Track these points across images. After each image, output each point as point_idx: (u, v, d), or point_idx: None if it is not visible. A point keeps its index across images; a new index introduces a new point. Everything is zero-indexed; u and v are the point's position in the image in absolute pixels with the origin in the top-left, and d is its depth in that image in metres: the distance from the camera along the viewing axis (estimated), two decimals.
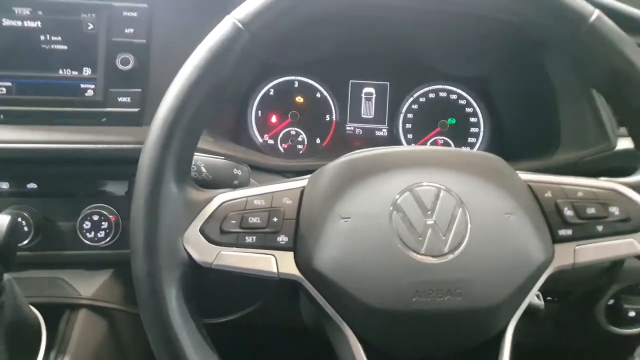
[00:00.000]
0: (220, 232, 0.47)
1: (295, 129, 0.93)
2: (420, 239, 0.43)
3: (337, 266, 0.43)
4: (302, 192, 0.49)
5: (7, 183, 0.73)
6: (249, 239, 0.47)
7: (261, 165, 0.79)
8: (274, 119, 0.92)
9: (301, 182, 0.50)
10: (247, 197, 0.49)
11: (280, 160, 0.87)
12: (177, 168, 0.47)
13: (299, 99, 0.93)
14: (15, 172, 0.73)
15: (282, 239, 0.47)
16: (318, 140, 0.92)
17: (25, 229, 0.72)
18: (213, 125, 0.80)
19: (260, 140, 0.92)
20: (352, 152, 0.51)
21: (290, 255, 0.46)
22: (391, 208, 0.44)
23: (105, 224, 0.73)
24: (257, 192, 0.50)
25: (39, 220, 0.73)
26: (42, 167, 0.73)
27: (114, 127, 0.72)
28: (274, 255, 0.47)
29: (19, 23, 0.72)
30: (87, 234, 0.73)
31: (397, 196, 0.45)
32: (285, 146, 0.92)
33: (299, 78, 0.93)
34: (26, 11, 0.72)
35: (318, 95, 0.93)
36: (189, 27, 0.75)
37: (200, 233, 0.46)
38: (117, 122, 0.73)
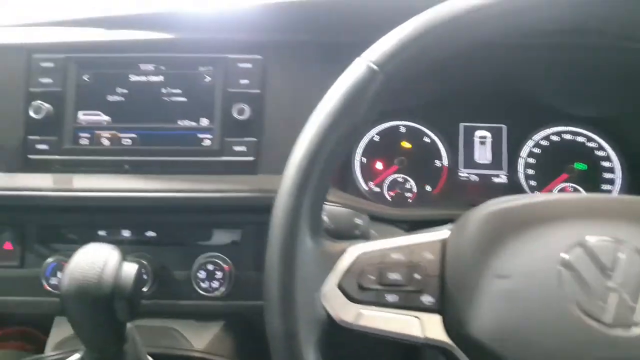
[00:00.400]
0: (359, 288, 0.43)
1: (403, 175, 0.89)
2: (603, 305, 0.36)
3: (498, 334, 0.38)
4: (443, 245, 0.45)
5: (129, 231, 0.75)
6: (390, 298, 0.43)
7: (371, 214, 0.76)
8: (379, 166, 0.89)
9: (441, 233, 0.46)
10: (383, 249, 0.45)
11: (390, 208, 0.83)
12: (312, 217, 0.45)
13: (406, 145, 0.90)
14: (137, 220, 0.75)
15: (427, 299, 0.42)
16: (428, 188, 0.88)
17: (145, 277, 0.73)
18: None
19: (366, 188, 0.89)
20: (499, 200, 0.46)
21: (436, 318, 0.42)
22: (559, 266, 0.39)
23: (219, 274, 0.73)
24: (393, 244, 0.46)
25: (156, 268, 0.74)
26: (161, 216, 0.74)
27: (230, 176, 0.73)
28: (418, 317, 0.42)
29: (144, 78, 0.75)
30: (201, 284, 0.72)
31: (566, 252, 0.39)
32: (392, 194, 0.88)
33: (405, 123, 0.90)
34: (150, 67, 0.75)
35: (426, 139, 0.89)
36: (301, 77, 0.76)
37: (339, 289, 0.43)
38: (233, 170, 0.73)
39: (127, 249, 0.74)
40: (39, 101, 0.73)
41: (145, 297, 0.72)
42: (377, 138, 0.90)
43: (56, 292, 0.74)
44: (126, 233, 0.75)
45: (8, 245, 0.74)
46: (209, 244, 0.75)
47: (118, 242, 0.75)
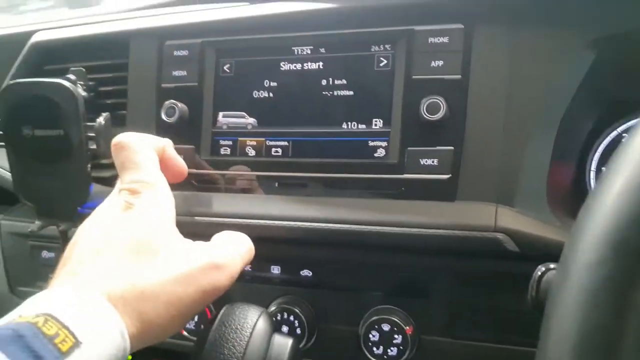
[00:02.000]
0: None
1: None
2: None
3: None
4: None
5: (280, 268, 0.58)
6: None
7: None
8: None
9: None
10: None
11: None
12: None
13: None
14: (290, 254, 0.57)
15: None
16: None
17: (298, 331, 0.55)
18: (552, 194, 0.52)
19: None
20: None
21: None
22: None
23: (398, 338, 0.52)
24: None
25: (312, 319, 0.56)
26: (320, 250, 0.55)
27: (416, 202, 0.51)
28: None
29: (299, 66, 0.56)
30: (374, 348, 0.52)
31: None
32: None
33: None
34: (307, 50, 0.56)
35: None
36: (527, 55, 0.50)
37: None
38: (419, 193, 0.51)
39: (277, 290, 0.57)
40: (172, 100, 0.58)
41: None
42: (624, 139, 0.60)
43: (192, 339, 0.60)
44: (276, 270, 0.58)
45: None
46: (383, 293, 0.54)
47: (266, 280, 0.58)
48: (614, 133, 0.61)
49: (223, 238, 0.42)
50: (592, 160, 0.61)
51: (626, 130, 0.61)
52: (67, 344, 0.29)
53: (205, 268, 0.37)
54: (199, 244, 0.39)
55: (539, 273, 0.35)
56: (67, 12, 0.91)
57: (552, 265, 0.36)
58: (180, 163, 0.47)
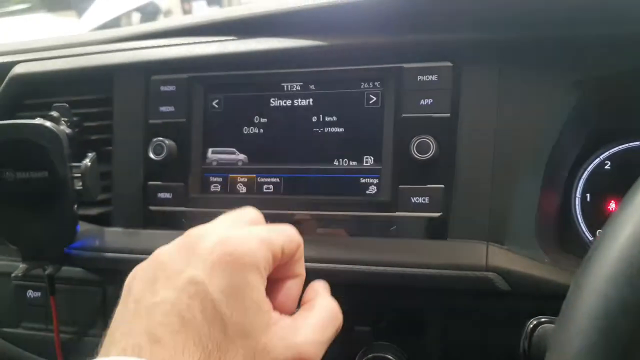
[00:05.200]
0: None
1: None
2: None
3: None
4: None
5: None
6: None
7: None
8: (612, 206, 0.61)
9: None
10: None
11: None
12: None
13: None
14: None
15: None
16: None
17: None
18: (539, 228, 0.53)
19: (591, 238, 0.62)
20: None
21: None
22: None
23: None
24: None
25: None
26: None
27: (406, 240, 0.51)
28: None
29: (288, 102, 0.56)
30: None
31: None
32: None
33: None
34: (297, 86, 0.55)
35: None
36: (516, 93, 0.51)
37: None
38: (410, 232, 0.51)
39: None
40: (160, 138, 0.57)
41: None
42: (608, 166, 0.62)
43: None
44: None
45: None
46: (377, 330, 0.54)
47: None
48: (597, 160, 0.62)
49: (314, 318, 0.37)
50: (577, 187, 0.62)
51: (609, 158, 0.62)
52: None
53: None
54: (288, 329, 0.35)
55: (531, 327, 0.36)
56: (46, 35, 0.88)
57: (543, 319, 0.37)
58: None
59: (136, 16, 1.96)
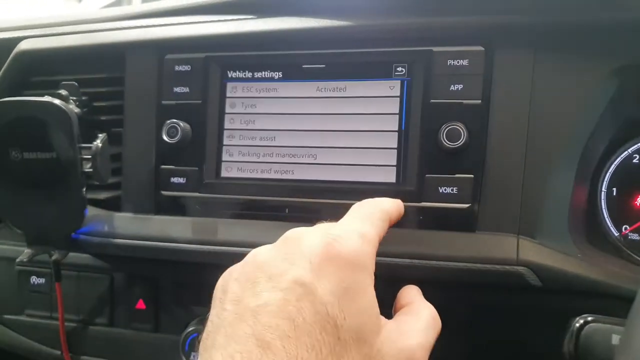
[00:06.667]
0: None
1: None
2: None
3: None
4: None
5: None
6: None
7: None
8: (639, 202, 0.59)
9: None
10: None
11: None
12: None
13: None
14: None
15: None
16: None
17: None
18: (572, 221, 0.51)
19: (616, 234, 0.60)
20: None
21: None
22: None
23: None
24: None
25: None
26: None
27: (434, 232, 0.49)
28: None
29: (310, 85, 0.53)
30: None
31: None
32: None
33: None
34: (319, 69, 0.53)
35: None
36: (550, 78, 0.48)
37: None
38: (437, 223, 0.49)
39: None
40: (174, 119, 0.54)
41: None
42: (637, 159, 0.60)
43: None
44: None
45: (141, 304, 0.58)
46: None
47: None
48: (625, 153, 0.60)
49: (418, 322, 0.37)
50: (603, 180, 0.60)
51: (638, 151, 0.60)
52: None
53: None
54: (395, 328, 0.34)
55: (577, 326, 0.34)
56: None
57: (589, 318, 0.35)
58: None
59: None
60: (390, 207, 0.40)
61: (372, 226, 0.36)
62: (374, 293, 0.33)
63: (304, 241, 0.33)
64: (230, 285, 0.33)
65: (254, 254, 0.34)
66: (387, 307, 0.52)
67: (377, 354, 0.31)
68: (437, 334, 0.37)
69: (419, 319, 0.37)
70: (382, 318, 0.34)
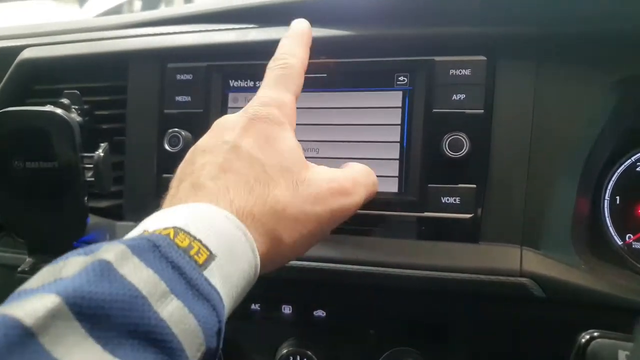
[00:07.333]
0: None
1: None
2: None
3: None
4: None
5: (291, 307, 0.55)
6: None
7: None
8: None
9: None
10: None
11: None
12: None
13: None
14: (302, 293, 0.54)
15: None
16: None
17: None
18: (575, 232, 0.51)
19: (620, 243, 0.60)
20: None
21: None
22: None
23: None
24: None
25: None
26: (334, 291, 0.53)
27: (436, 243, 0.49)
28: None
29: (312, 94, 0.53)
30: None
31: None
32: None
33: None
34: (321, 78, 0.53)
35: None
36: (553, 89, 0.48)
37: None
38: (440, 233, 0.49)
39: (288, 331, 0.55)
40: (176, 129, 0.54)
41: None
42: (639, 167, 0.59)
43: None
44: (287, 310, 0.55)
45: None
46: (399, 335, 0.52)
47: (277, 321, 0.55)
48: (629, 162, 0.60)
49: (350, 169, 0.42)
50: (606, 189, 0.59)
51: None
52: (202, 257, 0.28)
53: (334, 192, 0.37)
54: (327, 169, 0.39)
55: (583, 341, 0.33)
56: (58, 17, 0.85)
57: (596, 334, 0.35)
58: None
59: (137, 4, 1.92)
60: (302, 55, 0.44)
61: (286, 90, 0.41)
62: (295, 141, 0.39)
63: (228, 119, 0.40)
64: (175, 173, 0.39)
65: (193, 146, 0.40)
66: (390, 317, 0.52)
67: (304, 181, 0.36)
68: (372, 182, 0.42)
69: (350, 166, 0.42)
70: (311, 162, 0.39)
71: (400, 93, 0.51)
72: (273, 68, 0.43)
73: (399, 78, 0.51)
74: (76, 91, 0.56)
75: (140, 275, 0.25)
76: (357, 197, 0.39)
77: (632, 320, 0.45)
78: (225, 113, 0.54)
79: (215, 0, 0.60)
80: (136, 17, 0.62)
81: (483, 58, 0.49)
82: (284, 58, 0.43)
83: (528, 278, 0.45)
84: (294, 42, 0.44)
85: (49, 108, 0.51)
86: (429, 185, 0.49)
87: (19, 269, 0.53)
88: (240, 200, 0.33)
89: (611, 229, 0.60)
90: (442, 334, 0.51)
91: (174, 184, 0.37)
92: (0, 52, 0.64)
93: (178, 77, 0.56)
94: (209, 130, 0.40)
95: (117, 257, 0.25)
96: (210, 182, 0.34)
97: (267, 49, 0.54)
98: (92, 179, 0.51)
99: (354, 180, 0.40)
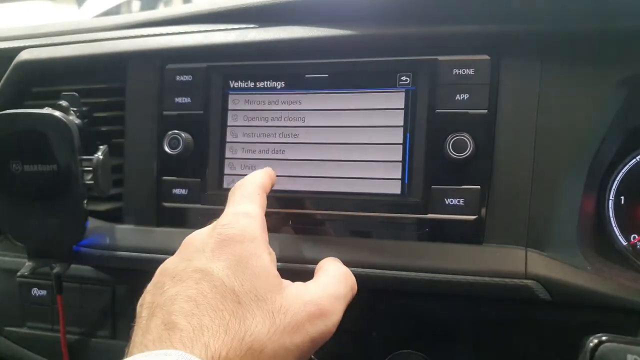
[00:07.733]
0: None
1: None
2: None
3: None
4: None
5: None
6: None
7: None
8: None
9: None
10: None
11: None
12: None
13: None
14: None
15: None
16: None
17: None
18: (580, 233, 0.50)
19: (625, 243, 0.59)
20: None
21: None
22: None
23: None
24: None
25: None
26: None
27: (440, 245, 0.48)
28: None
29: (313, 95, 0.52)
30: None
31: None
32: None
33: None
34: (322, 78, 0.52)
35: None
36: (559, 89, 0.48)
37: None
38: (444, 235, 0.48)
39: None
40: (175, 131, 0.54)
41: None
42: None
43: None
44: None
45: None
46: (403, 337, 0.52)
47: None
48: (633, 161, 0.59)
49: (325, 281, 0.40)
50: (611, 189, 0.59)
51: None
52: None
53: (312, 317, 0.35)
54: (301, 288, 0.37)
55: (592, 345, 0.33)
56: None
57: (604, 338, 0.34)
58: None
59: (136, 4, 1.91)
60: (262, 179, 0.44)
61: (252, 203, 0.41)
62: (268, 259, 0.37)
63: (197, 238, 0.38)
64: (144, 298, 0.36)
65: (161, 266, 0.38)
66: (395, 319, 0.52)
67: (281, 309, 0.34)
68: (349, 286, 0.40)
69: (327, 274, 0.40)
70: (285, 280, 0.37)
71: (402, 93, 0.50)
72: (241, 188, 0.43)
73: (402, 78, 0.50)
74: (75, 93, 0.55)
75: None
76: (336, 315, 0.37)
77: (639, 322, 0.45)
78: (226, 114, 0.54)
79: (215, 0, 0.59)
80: (135, 17, 0.61)
81: (487, 57, 0.48)
82: (254, 180, 0.44)
83: (533, 280, 0.45)
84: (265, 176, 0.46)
85: (47, 110, 0.51)
86: (433, 186, 0.49)
87: (19, 273, 0.52)
88: (216, 342, 0.31)
89: (616, 229, 0.59)
90: (446, 336, 0.51)
91: (143, 313, 0.35)
92: None
93: (177, 78, 0.55)
94: (178, 251, 0.39)
95: None
96: (184, 321, 0.32)
97: (267, 48, 0.54)
98: (92, 181, 0.51)
99: (330, 297, 0.37)
